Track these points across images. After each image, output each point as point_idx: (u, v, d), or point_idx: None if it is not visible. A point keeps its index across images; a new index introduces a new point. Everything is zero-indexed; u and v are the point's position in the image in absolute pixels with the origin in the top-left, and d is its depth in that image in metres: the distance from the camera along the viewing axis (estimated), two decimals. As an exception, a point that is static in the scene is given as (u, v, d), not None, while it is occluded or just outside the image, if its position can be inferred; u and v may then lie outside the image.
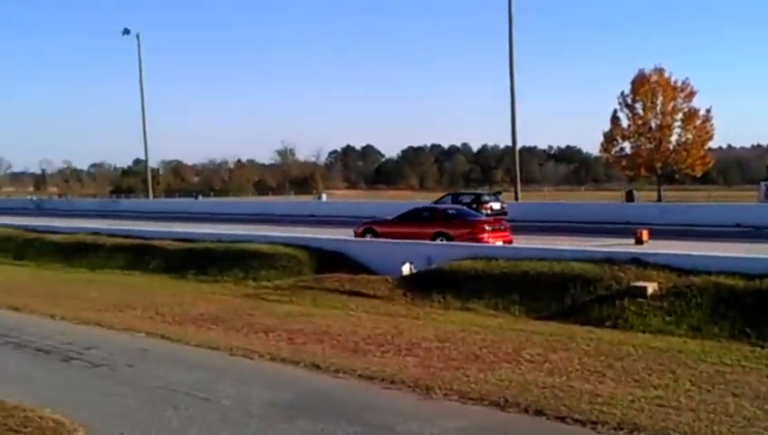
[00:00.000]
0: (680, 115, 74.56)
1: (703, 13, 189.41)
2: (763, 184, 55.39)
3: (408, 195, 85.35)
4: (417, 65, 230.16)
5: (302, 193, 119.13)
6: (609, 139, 78.17)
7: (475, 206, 37.83)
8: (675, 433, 9.10)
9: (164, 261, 27.81)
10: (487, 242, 26.24)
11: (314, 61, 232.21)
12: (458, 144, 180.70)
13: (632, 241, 27.55)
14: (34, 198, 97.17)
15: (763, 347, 13.93)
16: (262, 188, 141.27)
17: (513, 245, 23.85)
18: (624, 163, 79.74)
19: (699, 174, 79.22)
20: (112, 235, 33.59)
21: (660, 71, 74.12)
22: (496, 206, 40.47)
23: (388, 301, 19.60)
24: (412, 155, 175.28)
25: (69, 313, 18.63)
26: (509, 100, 54.66)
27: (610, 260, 19.15)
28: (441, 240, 26.78)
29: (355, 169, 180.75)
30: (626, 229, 30.80)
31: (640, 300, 16.80)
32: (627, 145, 78.14)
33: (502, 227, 28.37)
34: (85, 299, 21.06)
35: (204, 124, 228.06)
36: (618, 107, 76.44)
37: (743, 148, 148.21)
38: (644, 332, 15.49)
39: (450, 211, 30.78)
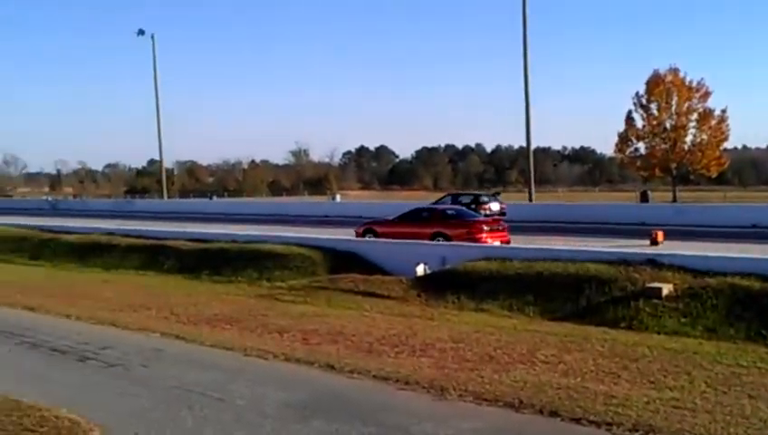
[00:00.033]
0: (695, 115, 74.44)
1: (719, 13, 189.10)
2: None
3: (422, 195, 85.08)
4: (432, 66, 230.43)
5: (315, 194, 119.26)
6: (623, 139, 78.05)
7: (473, 206, 38.24)
8: (690, 435, 9.08)
9: (178, 261, 27.87)
10: (485, 242, 26.55)
11: (329, 61, 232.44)
12: (472, 144, 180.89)
13: (647, 242, 27.46)
14: (50, 199, 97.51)
15: (779, 349, 13.87)
16: (276, 189, 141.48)
17: (528, 245, 23.75)
18: (639, 164, 79.58)
19: (714, 175, 79.02)
20: (127, 235, 33.68)
21: (675, 71, 74.03)
22: (495, 207, 40.90)
23: (403, 301, 19.58)
24: (426, 155, 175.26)
25: (84, 313, 18.69)
26: (523, 100, 54.71)
27: (625, 261, 19.09)
28: (440, 240, 27.09)
29: (369, 169, 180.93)
30: (641, 230, 30.68)
31: (655, 301, 16.74)
32: (641, 145, 78.12)
33: (500, 228, 28.66)
34: (100, 299, 21.13)
35: (218, 125, 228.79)
36: (632, 107, 76.50)
37: (758, 148, 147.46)
38: (659, 333, 15.43)
39: (449, 212, 31.09)
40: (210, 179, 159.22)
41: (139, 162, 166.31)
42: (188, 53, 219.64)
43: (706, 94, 73.94)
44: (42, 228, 39.14)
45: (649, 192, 66.32)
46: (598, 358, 12.91)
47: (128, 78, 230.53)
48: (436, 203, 40.49)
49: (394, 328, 15.86)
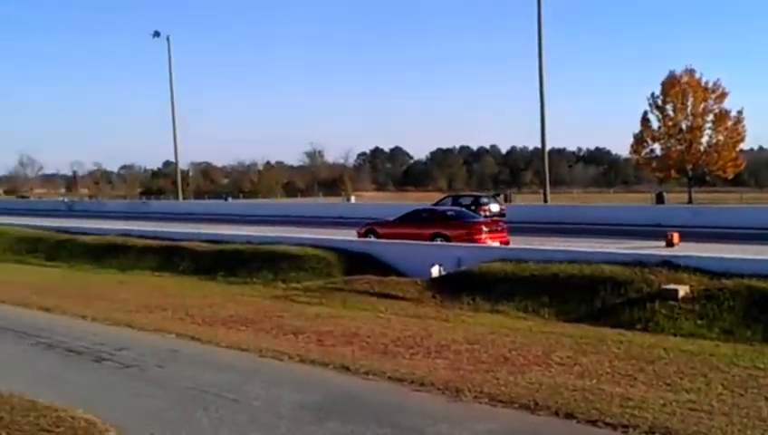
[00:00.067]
0: (711, 116, 74.18)
1: (735, 13, 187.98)
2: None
3: (436, 197, 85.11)
4: (446, 67, 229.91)
5: (330, 195, 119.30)
6: (639, 140, 77.87)
7: (473, 208, 38.77)
8: (707, 438, 9.03)
9: (193, 262, 27.94)
10: (484, 242, 26.94)
11: (344, 62, 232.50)
12: (487, 146, 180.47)
13: (663, 243, 27.35)
14: (66, 200, 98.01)
15: (796, 351, 13.79)
16: (290, 190, 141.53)
17: (543, 247, 23.69)
18: (654, 165, 79.35)
19: (730, 176, 78.70)
20: (142, 236, 33.79)
21: (691, 72, 73.76)
22: (494, 208, 41.60)
23: (418, 303, 19.59)
24: (441, 157, 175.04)
25: (100, 313, 18.75)
26: (538, 101, 54.56)
27: (641, 262, 19.05)
28: (439, 241, 27.49)
29: (383, 170, 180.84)
30: (656, 232, 30.56)
31: (671, 303, 16.70)
32: (657, 147, 77.85)
33: (498, 229, 29.02)
34: (116, 300, 21.19)
35: (233, 126, 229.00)
36: (648, 108, 76.24)
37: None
38: (675, 335, 15.40)
39: (449, 213, 31.49)
40: (225, 181, 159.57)
41: (155, 164, 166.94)
42: (204, 53, 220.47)
43: (723, 95, 73.69)
44: (58, 229, 39.34)
45: (665, 193, 66.16)
46: (614, 360, 12.87)
47: (143, 79, 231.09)
48: (436, 204, 41.36)
49: (409, 329, 15.85)
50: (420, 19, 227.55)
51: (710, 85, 73.69)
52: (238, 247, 28.02)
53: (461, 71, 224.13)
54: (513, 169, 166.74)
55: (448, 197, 46.98)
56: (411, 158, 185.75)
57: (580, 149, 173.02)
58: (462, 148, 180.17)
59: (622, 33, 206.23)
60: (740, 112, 73.44)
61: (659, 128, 76.02)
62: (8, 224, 43.66)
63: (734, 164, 74.96)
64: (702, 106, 73.78)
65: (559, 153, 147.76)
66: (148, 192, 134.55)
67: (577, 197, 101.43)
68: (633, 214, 42.47)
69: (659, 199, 62.61)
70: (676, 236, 27.86)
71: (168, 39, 75.32)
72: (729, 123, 73.45)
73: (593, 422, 9.55)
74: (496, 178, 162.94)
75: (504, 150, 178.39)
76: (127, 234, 34.92)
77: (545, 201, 54.77)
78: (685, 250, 23.41)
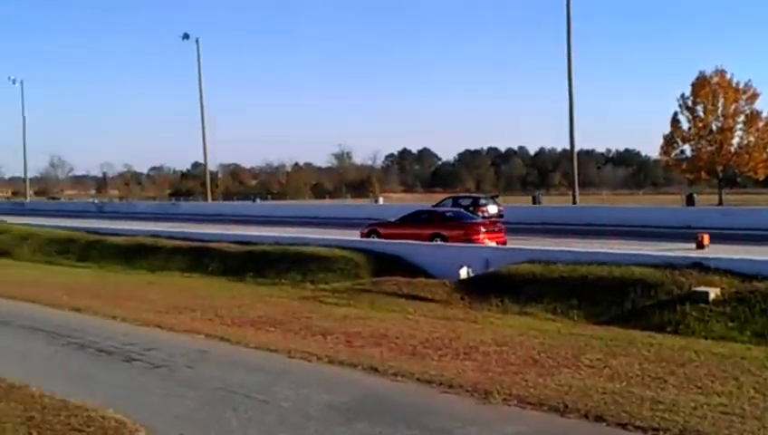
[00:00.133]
0: (742, 117, 73.62)
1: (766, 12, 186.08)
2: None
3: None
4: (474, 68, 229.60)
5: (358, 196, 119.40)
6: (669, 141, 77.43)
7: (472, 209, 39.67)
8: (739, 441, 8.95)
9: (222, 263, 28.04)
10: (482, 242, 27.82)
11: (372, 63, 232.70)
12: (515, 147, 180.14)
13: (693, 245, 27.17)
14: (96, 201, 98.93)
15: (829, 354, 13.64)
16: (319, 192, 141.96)
17: (572, 248, 23.58)
18: (684, 166, 78.88)
19: (762, 177, 77.98)
20: (171, 237, 33.97)
21: (722, 72, 73.24)
22: (492, 209, 42.58)
23: (446, 304, 19.55)
24: (469, 158, 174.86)
25: (130, 314, 18.85)
26: (567, 102, 54.34)
27: (671, 265, 18.91)
28: (437, 241, 28.36)
29: (411, 172, 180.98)
30: (686, 234, 30.35)
31: (702, 305, 16.57)
32: (687, 148, 77.32)
33: (496, 229, 30.03)
34: (146, 301, 21.31)
35: (261, 128, 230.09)
36: (678, 109, 75.74)
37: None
38: (706, 338, 15.27)
39: (447, 214, 32.68)
40: (253, 182, 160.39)
41: (184, 165, 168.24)
42: (232, 54, 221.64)
43: (754, 96, 73.16)
44: (88, 230, 39.67)
45: (695, 195, 65.69)
46: (644, 362, 12.77)
47: (173, 81, 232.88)
48: (437, 205, 42.72)
49: (437, 331, 15.82)
50: (449, 20, 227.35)
51: (741, 86, 73.21)
52: (266, 248, 28.10)
53: (489, 72, 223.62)
54: (542, 170, 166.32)
55: (449, 198, 48.20)
56: (439, 159, 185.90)
57: (609, 151, 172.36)
58: (490, 149, 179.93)
59: (653, 33, 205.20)
60: (772, 113, 72.85)
61: (690, 129, 75.56)
62: (39, 225, 44.09)
63: (765, 165, 74.29)
64: (733, 107, 73.24)
65: (587, 154, 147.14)
66: (177, 193, 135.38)
67: (606, 198, 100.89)
68: (663, 215, 42.27)
69: (689, 201, 62.14)
70: (706, 238, 27.66)
71: (197, 41, 75.80)
72: (760, 124, 72.88)
73: (623, 425, 9.47)
74: (524, 179, 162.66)
75: (532, 152, 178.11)
76: (156, 235, 35.12)
77: (574, 203, 54.59)
78: (715, 252, 23.24)
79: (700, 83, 73.55)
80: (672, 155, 78.76)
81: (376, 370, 12.61)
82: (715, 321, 16.02)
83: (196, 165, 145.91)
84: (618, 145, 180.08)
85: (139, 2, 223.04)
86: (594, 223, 40.36)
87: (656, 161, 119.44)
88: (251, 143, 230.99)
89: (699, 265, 18.61)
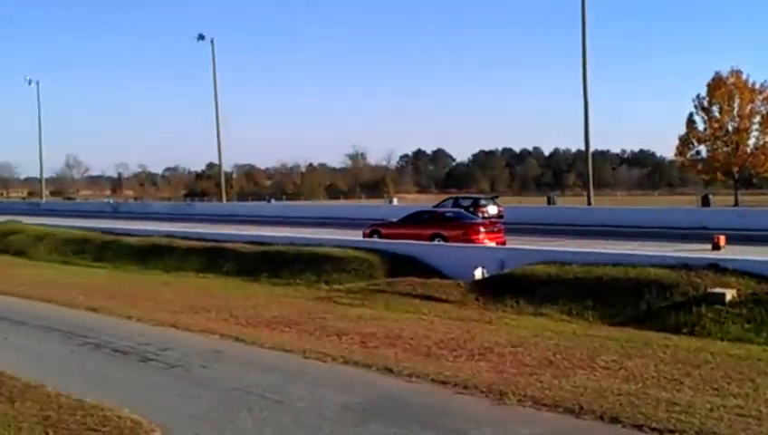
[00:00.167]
0: (758, 118, 73.18)
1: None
2: None
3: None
4: (489, 68, 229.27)
5: (372, 197, 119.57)
6: (684, 142, 77.13)
7: (472, 209, 40.25)
8: (756, 443, 8.91)
9: (237, 264, 28.05)
10: (481, 242, 28.19)
11: (386, 64, 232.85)
12: (530, 148, 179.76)
13: (709, 246, 27.03)
14: (111, 202, 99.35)
15: None
16: (333, 192, 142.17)
17: (587, 249, 23.51)
18: (700, 167, 78.52)
19: (778, 178, 77.59)
20: (186, 237, 33.98)
21: (738, 73, 73.02)
22: (492, 210, 42.87)
23: (461, 305, 19.51)
24: (483, 159, 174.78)
25: (145, 314, 18.92)
26: (581, 103, 54.20)
27: (687, 266, 18.80)
28: (438, 241, 28.69)
29: (426, 172, 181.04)
30: (702, 234, 30.19)
31: (718, 307, 16.47)
32: (703, 148, 76.99)
33: (495, 229, 30.36)
34: (161, 301, 21.38)
35: (276, 128, 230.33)
36: (693, 110, 75.43)
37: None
38: (722, 339, 15.18)
39: (448, 214, 33.32)
40: (268, 183, 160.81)
41: (198, 166, 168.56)
42: (247, 55, 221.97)
43: (771, 96, 72.75)
44: (104, 231, 39.72)
45: (711, 196, 65.41)
46: (659, 364, 12.73)
47: (187, 81, 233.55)
48: (437, 206, 43.59)
49: (452, 332, 15.82)
50: (463, 21, 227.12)
51: (757, 86, 72.83)
52: (281, 249, 28.10)
53: (504, 72, 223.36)
54: (556, 171, 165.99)
55: (450, 198, 49.29)
56: (453, 160, 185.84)
57: (624, 151, 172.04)
58: (504, 150, 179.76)
59: (668, 33, 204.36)
60: (789, 114, 72.47)
61: (705, 130, 75.28)
62: (55, 225, 44.22)
63: (781, 167, 73.97)
64: (749, 107, 72.92)
65: (602, 155, 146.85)
66: (191, 194, 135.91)
67: (621, 199, 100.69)
68: (678, 216, 42.05)
69: (705, 202, 61.87)
70: (722, 239, 27.52)
71: (212, 42, 75.98)
72: (776, 125, 72.49)
73: (639, 427, 9.45)
74: (539, 180, 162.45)
75: (546, 152, 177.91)
76: (171, 235, 35.13)
77: (589, 204, 54.38)
78: (731, 253, 23.17)
79: (716, 84, 73.26)
80: (687, 156, 78.50)
81: (391, 370, 12.62)
82: (731, 322, 15.92)
83: (210, 165, 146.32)
84: (633, 146, 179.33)
85: (153, 2, 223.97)
86: (609, 224, 40.22)
87: (671, 162, 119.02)
88: (266, 144, 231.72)
89: (715, 267, 18.50)
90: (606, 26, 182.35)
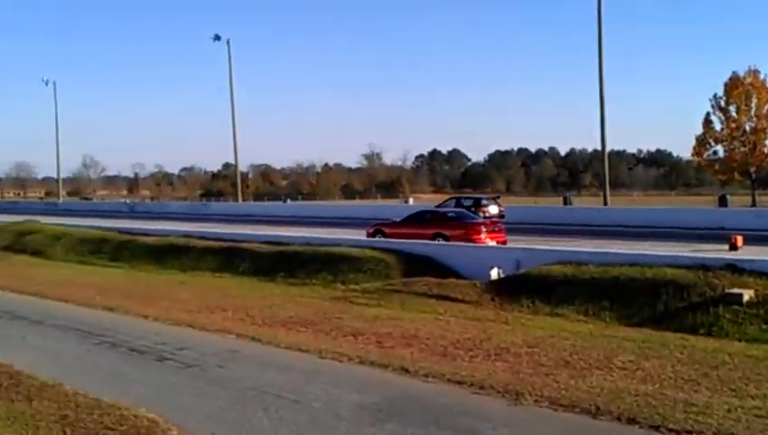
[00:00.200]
0: (776, 118, 72.71)
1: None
2: None
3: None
4: (504, 68, 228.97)
5: (388, 197, 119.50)
6: (701, 142, 76.74)
7: (473, 209, 40.88)
8: (774, 445, 8.87)
9: (253, 264, 28.07)
10: (483, 242, 28.60)
11: (401, 65, 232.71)
12: (546, 148, 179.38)
13: (726, 247, 26.86)
14: (128, 201, 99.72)
15: None
16: (349, 192, 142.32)
17: (604, 249, 23.41)
18: (717, 167, 78.14)
19: (796, 179, 77.18)
20: (203, 237, 34.04)
21: (755, 72, 72.57)
22: (493, 210, 43.92)
23: (477, 305, 19.48)
24: (499, 159, 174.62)
25: (162, 313, 18.99)
26: (597, 102, 53.93)
27: (704, 266, 18.69)
28: (439, 240, 29.00)
29: (441, 172, 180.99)
30: (719, 235, 30.02)
31: (736, 307, 16.38)
32: (720, 149, 76.58)
33: (496, 229, 30.78)
34: (177, 300, 21.43)
35: (292, 129, 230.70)
36: (710, 110, 75.02)
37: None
38: (740, 340, 15.09)
39: (449, 214, 33.83)
40: (284, 183, 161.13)
41: (215, 166, 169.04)
42: (263, 55, 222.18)
43: (788, 96, 72.28)
44: (120, 230, 39.85)
45: (728, 196, 65.09)
46: (676, 365, 12.68)
47: (203, 82, 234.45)
48: (440, 206, 44.35)
49: (468, 332, 15.80)
50: (479, 22, 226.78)
51: (775, 86, 72.37)
52: (297, 249, 28.13)
53: (520, 72, 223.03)
54: (572, 171, 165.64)
55: (452, 198, 50.30)
56: (469, 160, 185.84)
57: (640, 151, 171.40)
58: (520, 150, 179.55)
59: (685, 32, 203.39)
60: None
61: (722, 130, 74.89)
62: (72, 225, 44.40)
63: (799, 167, 73.58)
64: (766, 107, 72.48)
65: (618, 155, 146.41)
66: (207, 194, 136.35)
67: (637, 199, 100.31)
68: (695, 217, 41.80)
69: (722, 202, 61.57)
70: (739, 240, 27.35)
71: (228, 42, 75.99)
72: (795, 125, 72.07)
73: (656, 428, 9.41)
74: (555, 180, 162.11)
75: (562, 152, 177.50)
76: (188, 235, 35.21)
77: (605, 204, 54.14)
78: (749, 254, 23.02)
79: (733, 84, 72.88)
80: (704, 156, 78.09)
81: (407, 370, 12.62)
82: (748, 323, 15.83)
83: (226, 165, 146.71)
84: (649, 146, 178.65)
85: (170, 3, 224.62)
86: (625, 224, 40.11)
87: (688, 162, 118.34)
88: (282, 144, 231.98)
89: (733, 267, 18.39)
90: (623, 24, 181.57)
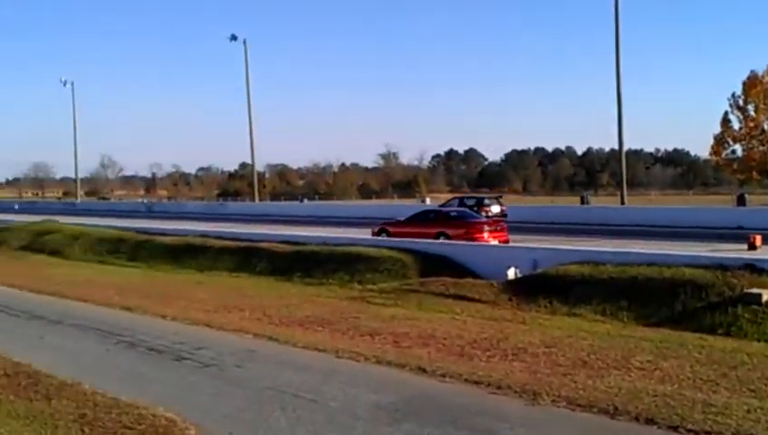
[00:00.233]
0: (795, 117, 72.22)
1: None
2: None
3: (512, 199, 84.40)
4: (521, 67, 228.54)
5: (405, 197, 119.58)
6: (719, 141, 76.20)
7: (476, 208, 41.72)
8: (794, 446, 8.81)
9: (270, 263, 28.12)
10: (485, 241, 29.00)
11: (418, 65, 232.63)
12: (562, 147, 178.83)
13: (745, 246, 26.70)
14: (145, 201, 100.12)
15: None
16: (365, 192, 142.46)
17: (622, 249, 23.32)
18: (735, 166, 77.60)
19: (814, 178, 76.63)
20: (220, 237, 34.11)
21: (774, 71, 71.92)
22: (495, 209, 45.01)
23: (494, 305, 19.45)
24: (515, 158, 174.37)
25: (179, 313, 19.06)
26: (615, 101, 53.75)
27: (722, 266, 18.59)
28: (442, 239, 29.20)
29: (458, 172, 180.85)
30: (738, 234, 29.87)
31: (755, 307, 16.27)
32: (738, 148, 76.09)
33: (498, 228, 31.21)
34: (195, 300, 21.49)
35: (309, 128, 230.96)
36: (729, 109, 74.51)
37: None
38: (759, 340, 14.99)
39: (452, 213, 34.07)
40: (301, 182, 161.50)
41: (231, 165, 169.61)
42: (279, 55, 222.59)
43: (808, 95, 71.78)
44: (138, 230, 39.99)
45: (746, 195, 64.70)
46: (695, 365, 12.63)
47: (221, 82, 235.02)
48: (443, 205, 45.68)
49: (485, 332, 15.78)
50: (478, 20, 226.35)
51: (794, 85, 71.89)
52: (314, 249, 28.15)
53: (536, 71, 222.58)
54: (590, 170, 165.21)
55: (455, 198, 52.18)
56: (486, 159, 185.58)
57: (657, 150, 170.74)
58: (537, 149, 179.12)
59: (703, 31, 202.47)
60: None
61: (740, 129, 74.38)
62: (90, 225, 44.60)
63: (818, 166, 73.06)
64: (786, 107, 72.02)
65: (636, 154, 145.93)
66: (224, 194, 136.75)
67: (655, 199, 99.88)
68: (713, 216, 41.57)
69: (740, 201, 61.14)
70: (758, 239, 27.17)
71: (244, 42, 76.12)
72: (813, 124, 71.60)
73: (675, 428, 9.38)
74: (572, 179, 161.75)
75: (579, 152, 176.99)
76: (205, 235, 35.29)
77: (622, 203, 53.95)
78: (768, 253, 22.88)
79: (751, 82, 72.39)
80: (723, 155, 77.57)
81: (424, 370, 12.62)
82: (768, 323, 15.75)
83: (243, 165, 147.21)
84: (667, 145, 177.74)
85: (186, 4, 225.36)
86: (643, 223, 39.99)
87: (706, 161, 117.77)
88: (298, 144, 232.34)
89: (751, 267, 18.27)
90: (641, 25, 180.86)
